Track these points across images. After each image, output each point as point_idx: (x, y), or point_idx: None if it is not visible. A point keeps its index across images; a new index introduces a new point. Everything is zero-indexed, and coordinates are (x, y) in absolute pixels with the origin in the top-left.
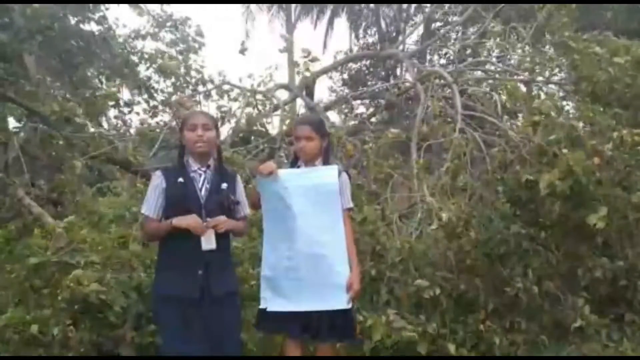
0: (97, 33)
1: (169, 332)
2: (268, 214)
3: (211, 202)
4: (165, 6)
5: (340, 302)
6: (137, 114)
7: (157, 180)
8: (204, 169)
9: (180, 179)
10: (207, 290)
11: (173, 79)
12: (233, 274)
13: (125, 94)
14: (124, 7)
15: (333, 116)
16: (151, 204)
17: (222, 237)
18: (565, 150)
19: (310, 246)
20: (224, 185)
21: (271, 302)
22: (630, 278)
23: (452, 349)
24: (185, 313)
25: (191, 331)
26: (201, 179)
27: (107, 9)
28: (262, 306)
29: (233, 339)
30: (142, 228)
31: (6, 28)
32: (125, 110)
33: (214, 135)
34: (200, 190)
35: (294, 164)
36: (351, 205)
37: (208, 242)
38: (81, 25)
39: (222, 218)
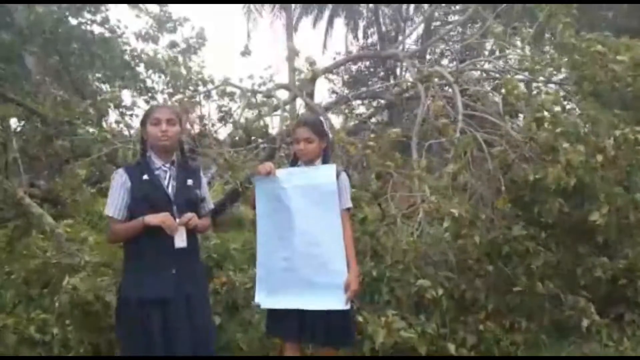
0: (97, 34)
1: (137, 341)
2: (264, 214)
3: (180, 199)
4: (165, 7)
5: (338, 302)
6: (137, 116)
7: (121, 179)
8: (168, 165)
9: (145, 176)
10: (180, 289)
11: (174, 80)
12: (203, 271)
13: (126, 95)
14: (124, 9)
15: (333, 116)
16: (116, 205)
17: (191, 235)
18: (566, 145)
19: (307, 246)
20: (190, 182)
21: (265, 302)
22: (630, 278)
23: (452, 349)
24: (157, 316)
25: (160, 338)
26: (167, 176)
27: (107, 9)
28: (255, 302)
29: (207, 339)
30: (108, 230)
31: (7, 28)
32: (127, 112)
33: (178, 130)
34: (167, 187)
35: (293, 164)
36: (350, 205)
37: (180, 240)
38: (82, 27)
39: (191, 214)
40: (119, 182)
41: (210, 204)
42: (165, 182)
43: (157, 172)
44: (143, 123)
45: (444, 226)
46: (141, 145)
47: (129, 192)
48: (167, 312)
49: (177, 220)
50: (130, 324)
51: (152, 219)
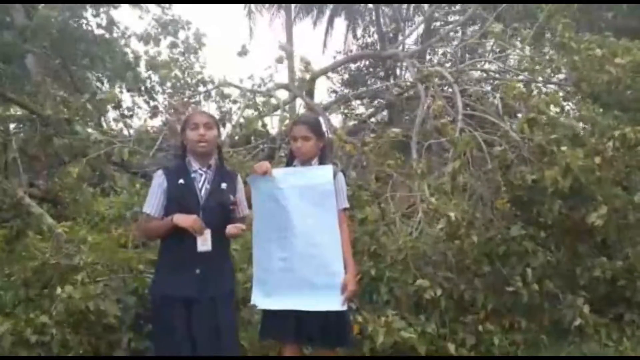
0: (99, 35)
1: (162, 337)
2: (260, 214)
3: (210, 203)
4: (168, 9)
5: (334, 303)
6: (137, 117)
7: (159, 180)
8: (204, 169)
9: (181, 180)
10: (204, 290)
11: (173, 80)
12: (231, 275)
13: (126, 96)
14: (126, 9)
15: (333, 116)
16: (153, 203)
17: (221, 238)
18: (563, 148)
19: (305, 247)
20: (224, 185)
21: (264, 302)
22: (629, 278)
23: (452, 348)
24: (181, 314)
25: (184, 334)
26: (202, 179)
27: (115, 7)
28: (252, 302)
29: (230, 340)
30: (141, 226)
31: (8, 28)
32: (126, 112)
33: (215, 135)
34: (201, 190)
35: (290, 163)
36: (347, 205)
37: (204, 244)
38: (85, 28)
39: (234, 229)
40: (157, 183)
41: (246, 209)
42: (199, 185)
43: (193, 175)
44: (182, 129)
45: (438, 227)
46: (181, 149)
47: (165, 192)
48: (192, 311)
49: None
50: (156, 320)
51: (182, 220)
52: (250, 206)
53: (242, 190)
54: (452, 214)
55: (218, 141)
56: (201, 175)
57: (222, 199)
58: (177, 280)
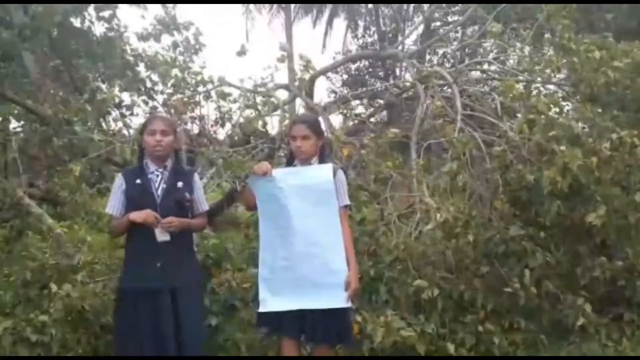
0: (99, 35)
1: (122, 331)
2: (264, 214)
3: (166, 201)
4: (170, 9)
5: (338, 300)
6: (137, 115)
7: (119, 182)
8: (160, 169)
9: (138, 180)
10: (166, 281)
11: (173, 80)
12: (194, 267)
13: (125, 95)
14: (125, 8)
15: (332, 116)
16: (114, 204)
17: (181, 233)
18: (562, 148)
19: (307, 246)
20: (180, 184)
21: (269, 303)
22: (629, 278)
23: (451, 349)
24: (145, 308)
25: (147, 327)
26: (158, 179)
27: (116, 7)
28: (260, 309)
29: (192, 330)
30: (109, 225)
31: (7, 26)
32: (126, 112)
33: (172, 140)
34: (157, 190)
35: (290, 163)
36: (348, 202)
37: (162, 235)
38: (85, 26)
39: (172, 219)
40: (117, 184)
41: (204, 205)
42: (156, 185)
43: (150, 176)
44: (141, 132)
45: (429, 227)
46: (139, 151)
47: (124, 193)
48: (156, 304)
49: (161, 219)
50: (122, 312)
51: (136, 216)
52: (248, 207)
53: (200, 188)
54: (446, 214)
55: (174, 145)
56: (157, 176)
57: (177, 196)
58: (140, 272)
